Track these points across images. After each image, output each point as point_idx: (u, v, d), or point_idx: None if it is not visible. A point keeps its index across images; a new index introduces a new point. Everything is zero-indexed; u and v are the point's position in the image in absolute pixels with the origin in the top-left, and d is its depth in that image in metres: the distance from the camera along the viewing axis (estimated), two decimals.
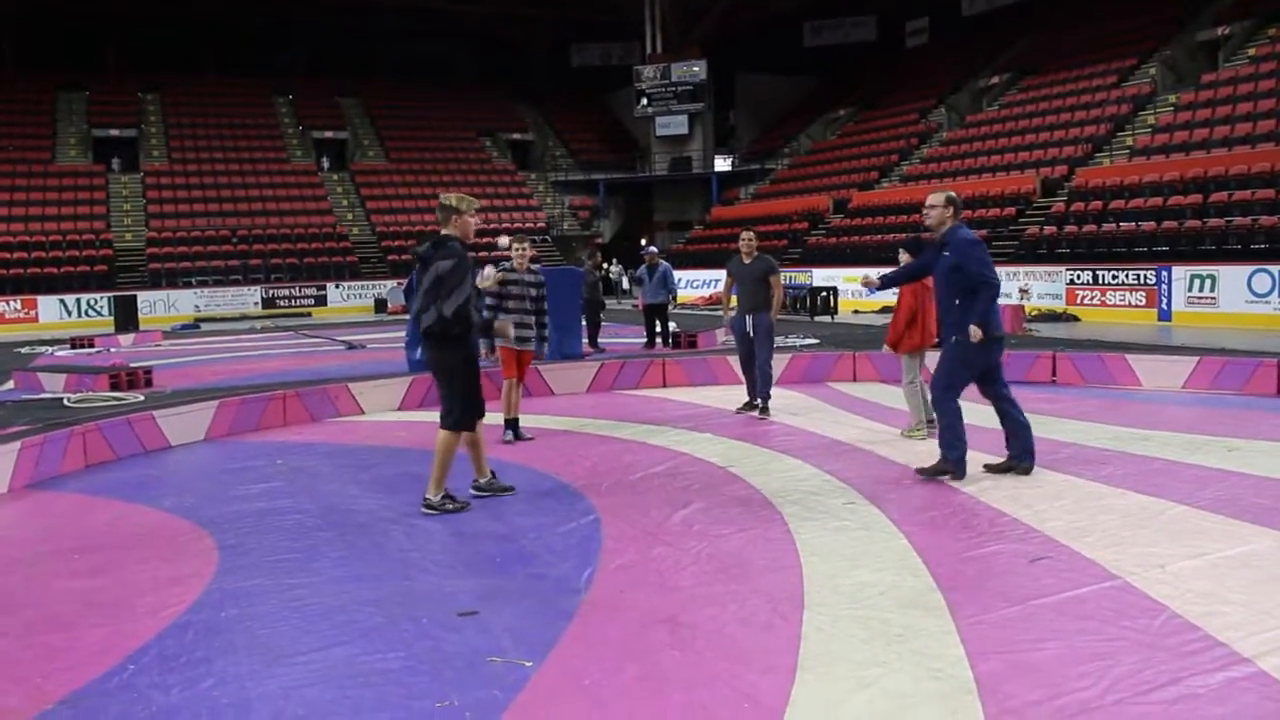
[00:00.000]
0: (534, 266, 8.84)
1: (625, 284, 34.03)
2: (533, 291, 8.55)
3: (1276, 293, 17.77)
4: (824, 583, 4.63)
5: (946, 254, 6.68)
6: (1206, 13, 30.48)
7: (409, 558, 5.30)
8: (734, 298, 9.95)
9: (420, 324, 6.19)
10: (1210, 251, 19.68)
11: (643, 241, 36.47)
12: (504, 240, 18.14)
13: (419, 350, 12.52)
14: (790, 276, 28.15)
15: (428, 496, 6.24)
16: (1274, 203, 19.79)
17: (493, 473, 6.65)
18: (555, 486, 6.91)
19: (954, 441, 6.66)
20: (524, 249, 8.58)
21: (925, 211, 6.92)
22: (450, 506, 6.20)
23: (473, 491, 6.54)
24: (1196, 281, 19.09)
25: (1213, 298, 18.78)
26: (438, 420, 6.28)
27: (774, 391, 9.83)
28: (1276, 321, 17.36)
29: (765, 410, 9.62)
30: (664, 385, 11.94)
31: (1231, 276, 18.53)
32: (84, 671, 3.86)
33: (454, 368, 6.19)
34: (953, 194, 6.93)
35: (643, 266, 16.62)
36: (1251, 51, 26.87)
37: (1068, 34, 34.67)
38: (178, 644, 4.12)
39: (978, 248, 6.72)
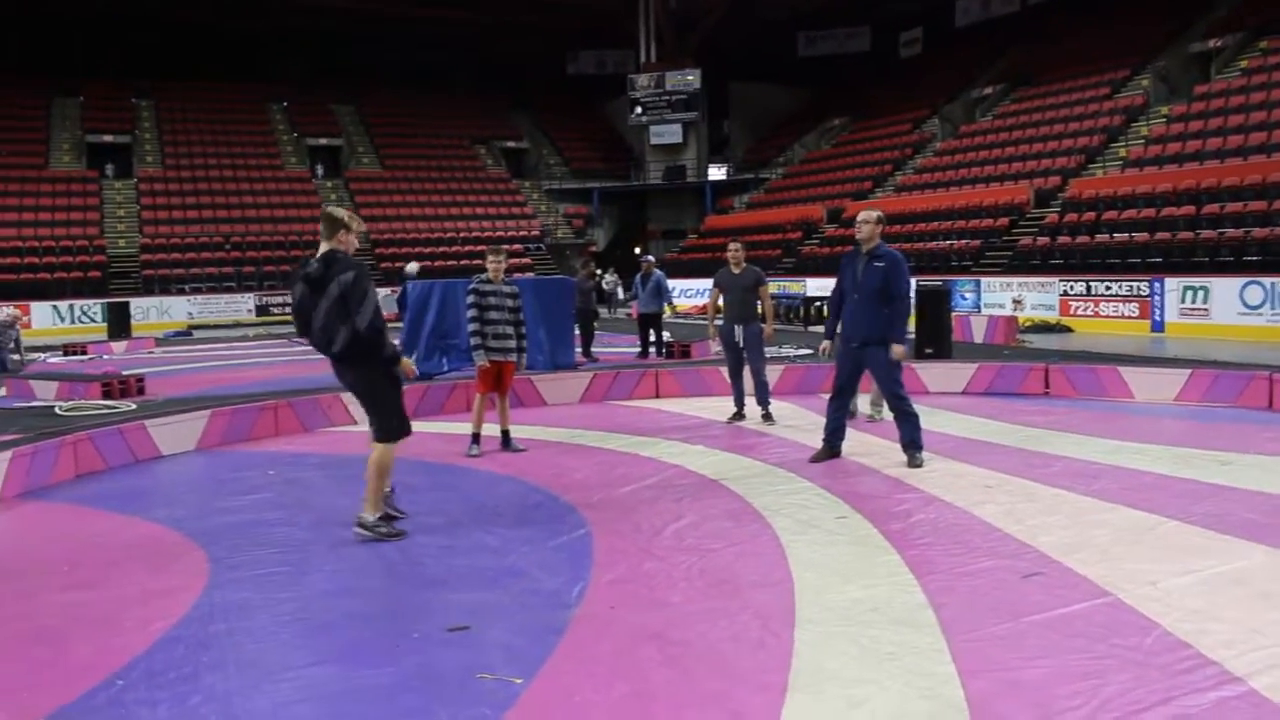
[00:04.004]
0: (509, 278, 8.82)
1: (620, 294, 33.19)
2: (509, 302, 8.53)
3: (1269, 305, 17.81)
4: (815, 599, 4.62)
5: (879, 264, 7.55)
6: (1199, 25, 30.61)
7: (400, 572, 5.28)
8: (721, 308, 10.03)
9: (330, 348, 5.76)
10: (1203, 263, 19.74)
11: (637, 250, 36.40)
12: (413, 267, 18.12)
13: (412, 359, 12.60)
14: (783, 286, 28.21)
15: (362, 516, 5.86)
16: (1266, 215, 19.86)
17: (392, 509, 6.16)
18: (546, 499, 6.89)
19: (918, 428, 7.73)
20: (499, 261, 8.57)
21: (859, 226, 7.73)
22: (383, 529, 5.87)
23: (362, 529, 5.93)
24: (1189, 293, 19.14)
25: (1205, 309, 18.83)
26: (379, 436, 5.94)
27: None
28: (1269, 334, 17.39)
29: (768, 416, 9.77)
30: (657, 396, 11.93)
31: (1224, 288, 18.57)
32: (71, 687, 3.83)
33: (375, 382, 5.92)
34: (881, 213, 7.88)
35: (638, 275, 16.61)
36: (1244, 64, 26.98)
37: (1061, 45, 34.79)
38: (166, 659, 4.09)
39: (905, 265, 7.71)
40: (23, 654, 4.22)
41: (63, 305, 29.38)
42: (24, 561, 5.67)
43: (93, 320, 28.84)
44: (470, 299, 8.45)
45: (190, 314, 31.17)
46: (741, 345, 9.84)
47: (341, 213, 5.90)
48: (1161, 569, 4.89)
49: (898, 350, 7.57)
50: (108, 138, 38.60)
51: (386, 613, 4.60)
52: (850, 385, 8.01)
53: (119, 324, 25.44)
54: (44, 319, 28.73)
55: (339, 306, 5.68)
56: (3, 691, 3.83)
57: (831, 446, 7.95)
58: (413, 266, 18.23)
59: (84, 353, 20.21)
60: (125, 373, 12.95)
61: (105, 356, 19.99)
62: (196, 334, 27.83)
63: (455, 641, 4.21)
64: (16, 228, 32.55)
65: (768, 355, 10.36)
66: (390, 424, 5.97)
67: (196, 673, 3.94)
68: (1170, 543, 5.36)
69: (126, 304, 27.24)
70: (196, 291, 32.13)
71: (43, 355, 19.43)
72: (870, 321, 7.61)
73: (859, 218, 7.80)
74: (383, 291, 31.32)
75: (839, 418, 7.96)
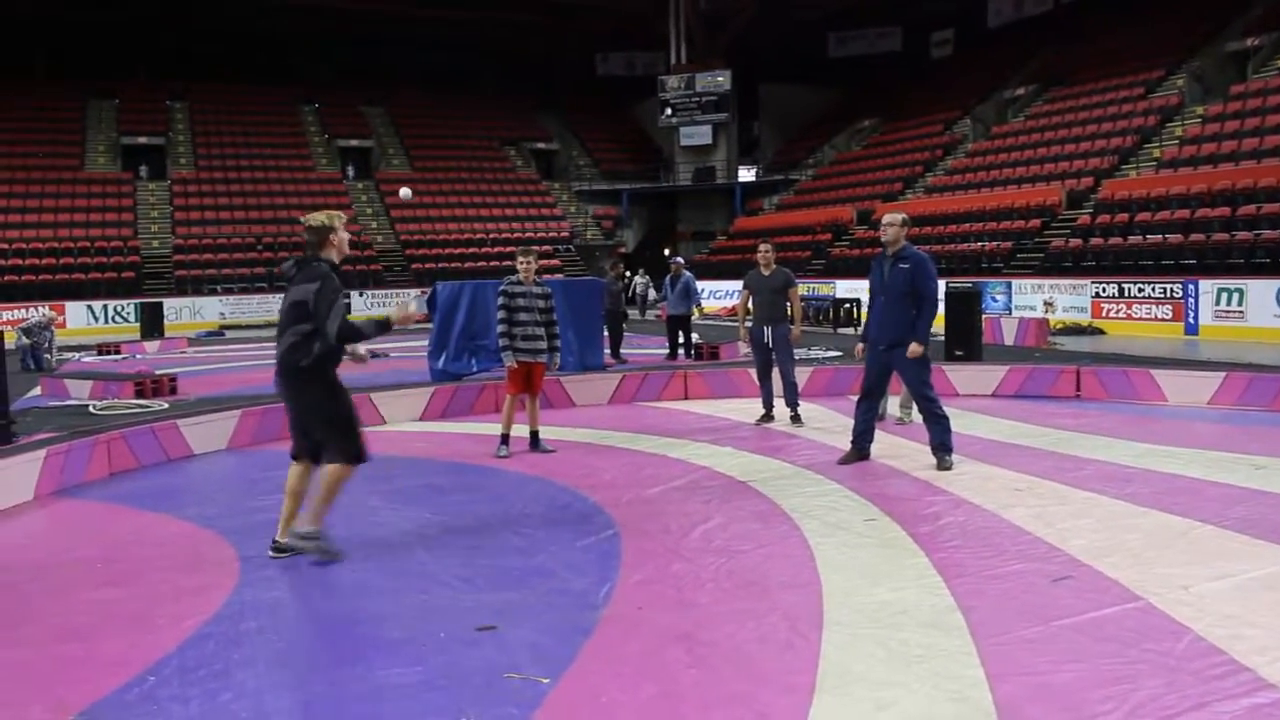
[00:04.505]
0: (540, 279, 8.84)
1: (651, 295, 32.53)
2: (540, 304, 8.53)
3: None
4: (843, 601, 4.60)
5: (904, 266, 7.56)
6: (1235, 24, 30.22)
7: (428, 571, 5.30)
8: (751, 309, 10.04)
9: (277, 350, 5.46)
10: (1238, 265, 19.51)
11: (666, 251, 36.37)
12: (405, 191, 17.93)
13: (441, 359, 12.68)
14: (813, 288, 28.11)
15: (298, 529, 5.52)
16: None
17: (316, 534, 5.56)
18: (574, 500, 6.90)
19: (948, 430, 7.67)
20: (530, 262, 8.58)
21: (883, 229, 7.76)
22: (312, 545, 5.49)
23: (270, 553, 5.57)
24: (1224, 295, 18.91)
25: (1240, 311, 18.60)
26: (343, 458, 5.55)
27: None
28: None
29: (797, 418, 9.75)
30: (685, 398, 11.91)
31: (1260, 290, 18.34)
32: (104, 683, 3.87)
33: (328, 398, 5.52)
34: (905, 215, 7.87)
35: (667, 277, 16.63)
36: None
37: (1094, 45, 34.46)
38: (198, 656, 4.14)
39: (932, 266, 7.70)
40: (57, 650, 4.27)
41: (97, 305, 29.75)
42: (58, 559, 5.74)
43: (126, 320, 29.19)
44: (500, 300, 8.48)
45: (222, 314, 31.47)
46: (770, 346, 9.86)
47: (320, 218, 5.52)
48: (1194, 574, 4.83)
49: (914, 349, 7.51)
50: (142, 139, 39.07)
51: (413, 612, 4.62)
52: (879, 387, 7.99)
53: (152, 324, 25.72)
54: (79, 319, 29.07)
55: (291, 313, 5.41)
56: (38, 687, 3.88)
57: (860, 449, 7.92)
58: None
59: (118, 352, 20.45)
60: (158, 372, 13.10)
61: (138, 356, 20.22)
62: (228, 334, 28.10)
63: (482, 641, 4.22)
64: (53, 228, 32.99)
65: (796, 357, 10.34)
66: (342, 446, 5.55)
67: (228, 670, 3.98)
68: (1203, 547, 5.30)
69: (160, 304, 27.54)
70: (229, 292, 32.42)
71: (76, 355, 19.66)
72: (897, 323, 7.60)
73: (884, 220, 7.79)
74: (412, 292, 31.24)
75: (867, 420, 7.94)
